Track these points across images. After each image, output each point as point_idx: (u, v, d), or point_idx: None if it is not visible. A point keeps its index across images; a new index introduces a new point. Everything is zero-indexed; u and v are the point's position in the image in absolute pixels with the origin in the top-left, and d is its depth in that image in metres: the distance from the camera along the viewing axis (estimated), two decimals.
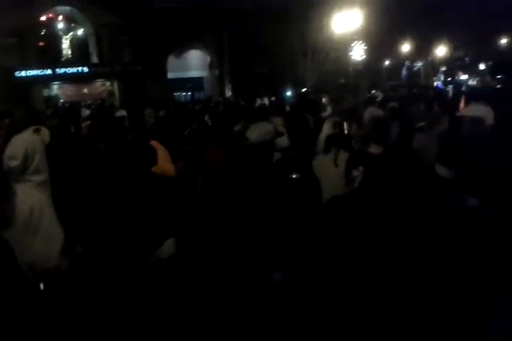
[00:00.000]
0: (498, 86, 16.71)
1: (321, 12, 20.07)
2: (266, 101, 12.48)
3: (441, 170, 3.25)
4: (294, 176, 3.58)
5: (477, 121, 4.83)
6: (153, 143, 4.76)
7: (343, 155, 3.97)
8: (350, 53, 23.63)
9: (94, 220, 3.03)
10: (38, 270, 2.44)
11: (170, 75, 23.57)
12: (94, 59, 22.19)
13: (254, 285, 3.05)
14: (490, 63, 31.69)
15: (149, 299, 2.93)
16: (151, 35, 21.19)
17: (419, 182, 3.00)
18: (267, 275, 3.10)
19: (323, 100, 9.88)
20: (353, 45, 23.39)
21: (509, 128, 4.88)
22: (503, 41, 34.54)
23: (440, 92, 12.53)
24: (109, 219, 3.05)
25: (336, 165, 3.95)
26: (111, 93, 22.66)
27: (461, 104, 8.73)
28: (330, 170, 3.97)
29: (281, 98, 14.42)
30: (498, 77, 26.84)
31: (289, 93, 16.19)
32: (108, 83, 22.84)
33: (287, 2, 21.65)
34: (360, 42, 23.51)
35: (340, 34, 20.21)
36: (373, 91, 14.51)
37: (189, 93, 25.84)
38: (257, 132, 3.31)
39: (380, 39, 24.25)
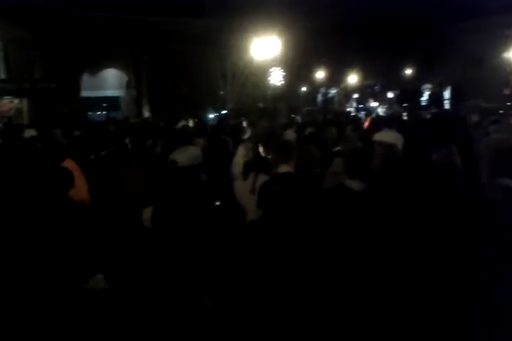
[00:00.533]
0: (405, 114, 17.87)
1: (241, 38, 20.50)
2: (190, 122, 12.32)
3: (354, 184, 3.36)
4: (217, 203, 3.54)
5: (391, 147, 5.14)
6: (69, 163, 4.49)
7: (262, 179, 3.95)
8: (269, 78, 24.27)
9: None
10: None
11: (84, 94, 22.72)
12: (2, 75, 20.88)
13: (188, 310, 2.95)
14: (397, 92, 34.09)
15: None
16: (64, 52, 20.42)
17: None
18: (199, 301, 3.00)
19: (244, 123, 9.97)
20: (271, 70, 24.06)
21: (416, 153, 5.30)
22: (408, 72, 37.32)
23: (355, 118, 13.16)
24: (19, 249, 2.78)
25: (253, 191, 3.91)
26: (19, 111, 21.36)
27: (373, 130, 9.20)
28: (249, 195, 3.93)
29: (202, 120, 14.39)
30: (404, 105, 28.91)
31: (211, 115, 16.21)
32: (16, 100, 21.52)
33: (207, 26, 21.98)
34: (279, 68, 24.26)
35: (259, 60, 20.72)
36: (292, 116, 14.92)
37: (104, 112, 25.04)
38: (185, 155, 3.21)
39: (297, 66, 25.21)
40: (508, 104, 25.55)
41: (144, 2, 21.29)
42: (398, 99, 32.17)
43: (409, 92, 33.49)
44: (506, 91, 29.42)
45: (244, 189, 4.10)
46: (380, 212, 2.91)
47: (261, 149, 5.38)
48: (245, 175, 4.23)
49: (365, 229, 2.83)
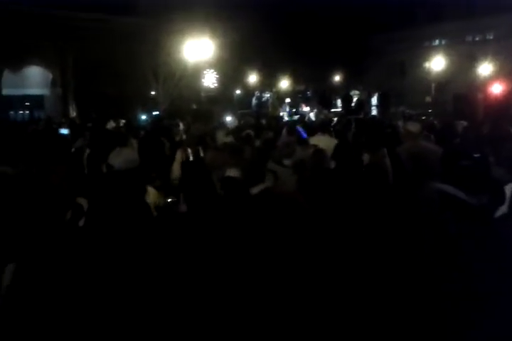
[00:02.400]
0: (334, 119, 18.38)
1: (173, 38, 20.19)
2: (120, 123, 11.80)
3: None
4: (169, 200, 3.38)
5: (321, 151, 5.25)
6: None
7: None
8: (203, 80, 24.10)
9: None
10: None
11: (5, 92, 21.40)
12: None
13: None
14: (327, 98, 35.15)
15: None
16: None
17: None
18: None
19: (180, 125, 9.78)
20: (205, 72, 23.91)
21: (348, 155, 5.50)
22: (337, 78, 38.55)
23: (290, 123, 13.32)
24: None
25: None
26: None
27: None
28: None
29: (133, 121, 13.92)
30: (333, 110, 29.84)
31: (143, 116, 15.76)
32: None
33: (138, 24, 21.44)
34: (212, 70, 24.17)
35: (192, 61, 20.50)
36: (228, 118, 14.85)
37: (27, 112, 23.70)
38: (120, 159, 3.02)
39: (231, 69, 25.23)
40: (430, 110, 27.13)
41: None
42: (323, 104, 33.14)
43: (329, 97, 34.74)
44: (428, 99, 31.22)
45: None
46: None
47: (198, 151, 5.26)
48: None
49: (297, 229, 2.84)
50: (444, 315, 2.02)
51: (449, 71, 31.84)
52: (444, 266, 2.03)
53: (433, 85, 32.51)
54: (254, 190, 3.19)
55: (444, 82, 31.89)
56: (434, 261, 2.06)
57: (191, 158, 4.95)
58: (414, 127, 6.24)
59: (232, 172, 3.71)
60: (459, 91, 25.25)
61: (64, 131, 5.85)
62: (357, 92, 38.11)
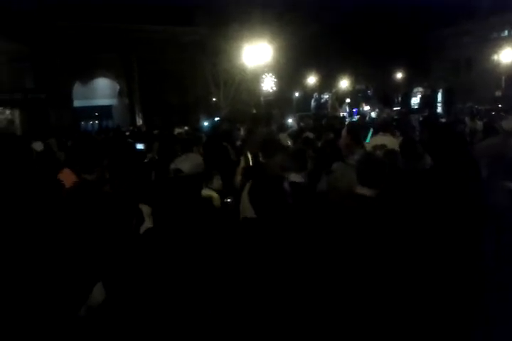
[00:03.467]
0: (395, 117, 17.90)
1: (232, 44, 20.53)
2: (184, 130, 12.10)
3: (364, 190, 3.33)
4: (228, 200, 3.45)
5: (392, 153, 5.11)
6: (65, 173, 4.42)
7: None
8: (262, 84, 24.29)
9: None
10: None
11: (76, 103, 22.64)
12: None
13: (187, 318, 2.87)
14: (387, 97, 34.27)
15: None
16: (55, 62, 20.34)
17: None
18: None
19: (241, 130, 9.91)
20: (263, 76, 24.10)
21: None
22: (399, 76, 37.53)
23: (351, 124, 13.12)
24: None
25: None
26: (10, 121, 21.23)
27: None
28: (245, 202, 3.86)
29: (195, 127, 14.29)
30: (395, 109, 29.04)
31: (205, 123, 16.14)
32: (8, 111, 21.40)
33: (198, 33, 22.02)
34: (271, 74, 24.31)
35: (251, 66, 20.74)
36: (289, 120, 14.88)
37: (96, 122, 24.92)
38: (189, 163, 3.12)
39: (289, 72, 25.27)
40: (500, 106, 25.76)
41: (134, 10, 21.27)
42: (384, 103, 32.31)
43: (391, 95, 33.77)
44: (498, 94, 29.66)
45: (243, 197, 4.02)
46: (391, 217, 2.87)
47: (259, 156, 5.28)
48: (242, 182, 4.15)
49: (373, 235, 2.78)
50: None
51: None
52: None
53: (503, 78, 30.87)
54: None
55: None
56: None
57: (251, 163, 4.97)
58: (507, 124, 6.02)
59: (296, 178, 3.72)
60: None
61: (140, 146, 6.09)
62: (420, 89, 36.89)
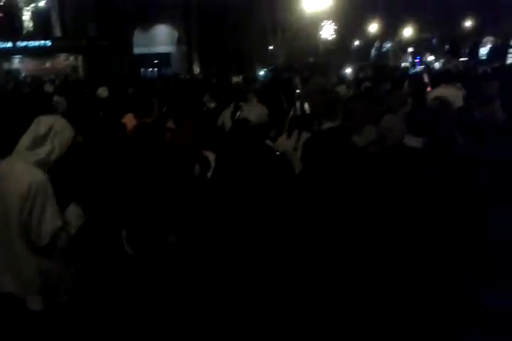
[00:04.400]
0: (461, 68, 17.02)
1: None
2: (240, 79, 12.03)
3: (412, 141, 3.33)
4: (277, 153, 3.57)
5: (444, 103, 4.96)
6: (129, 118, 4.71)
7: (305, 137, 3.92)
8: (320, 32, 23.54)
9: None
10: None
11: (136, 51, 22.95)
12: (57, 32, 21.37)
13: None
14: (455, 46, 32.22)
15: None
16: (116, 9, 20.51)
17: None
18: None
19: (296, 79, 9.84)
20: (323, 24, 23.29)
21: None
22: (468, 24, 35.06)
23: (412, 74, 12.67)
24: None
25: (296, 149, 3.88)
26: (74, 68, 21.96)
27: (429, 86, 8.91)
28: (290, 153, 3.93)
29: (251, 76, 14.24)
30: (462, 59, 27.43)
31: (261, 72, 16.00)
32: (72, 57, 22.10)
33: None
34: (330, 21, 23.44)
35: (310, 13, 20.08)
36: (347, 71, 14.56)
37: (155, 69, 25.25)
38: (255, 113, 3.18)
39: (350, 19, 24.25)
40: None
41: None
42: (452, 53, 30.47)
43: (459, 45, 31.62)
44: None
45: (285, 146, 4.09)
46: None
47: (309, 106, 5.20)
48: (289, 132, 4.20)
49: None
50: None
51: None
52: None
53: None
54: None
55: None
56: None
57: (300, 112, 4.93)
58: None
59: (329, 125, 3.70)
60: None
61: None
62: (491, 39, 34.39)
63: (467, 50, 34.67)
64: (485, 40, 34.90)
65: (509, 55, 30.05)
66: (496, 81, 6.40)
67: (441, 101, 4.93)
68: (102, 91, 8.23)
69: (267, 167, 2.97)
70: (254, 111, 3.20)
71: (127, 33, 21.86)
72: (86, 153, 3.47)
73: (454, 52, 32.07)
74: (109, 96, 8.05)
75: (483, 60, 28.76)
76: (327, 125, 3.71)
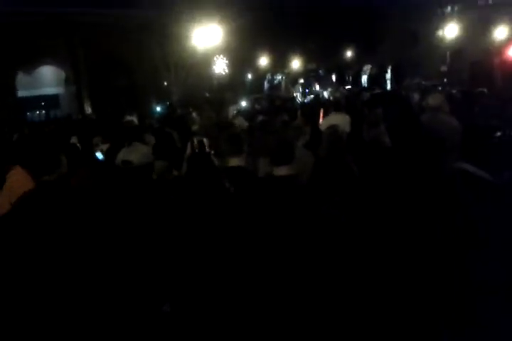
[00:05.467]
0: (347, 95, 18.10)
1: (180, 27, 20.08)
2: (134, 117, 11.58)
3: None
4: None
5: (333, 128, 5.21)
6: (18, 170, 4.12)
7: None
8: (214, 67, 23.96)
9: None
10: None
11: (20, 94, 21.64)
12: None
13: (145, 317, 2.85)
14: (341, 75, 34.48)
15: None
16: None
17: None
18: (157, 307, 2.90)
19: (193, 114, 9.75)
20: (215, 59, 23.75)
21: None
22: (349, 54, 37.82)
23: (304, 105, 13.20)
24: None
25: None
26: None
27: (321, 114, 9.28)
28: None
29: (145, 114, 13.93)
30: (348, 87, 29.39)
31: (158, 108, 15.70)
32: None
33: (144, 16, 21.36)
34: (222, 56, 23.99)
35: (201, 49, 20.39)
36: (243, 104, 14.80)
37: (43, 112, 23.94)
38: (137, 154, 2.99)
39: (241, 53, 25.00)
40: (445, 80, 26.52)
41: None
42: (339, 82, 32.61)
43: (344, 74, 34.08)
44: (443, 68, 30.46)
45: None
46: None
47: (207, 142, 5.05)
48: (189, 170, 4.02)
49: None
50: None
51: (463, 38, 31.02)
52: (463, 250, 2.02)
53: (448, 53, 31.72)
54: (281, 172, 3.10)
55: (458, 49, 31.07)
56: (455, 244, 2.05)
57: (197, 150, 4.76)
58: (433, 100, 6.10)
59: (236, 162, 3.57)
60: (474, 58, 24.52)
61: (99, 156, 5.75)
62: (369, 67, 37.37)
63: (351, 79, 37.30)
64: (365, 68, 37.84)
65: (388, 82, 32.80)
66: (379, 108, 6.85)
67: (335, 130, 5.12)
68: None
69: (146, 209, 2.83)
70: (135, 152, 3.06)
71: (9, 76, 20.58)
72: None
73: (340, 81, 34.31)
74: None
75: (364, 87, 31.12)
76: (233, 162, 3.53)
